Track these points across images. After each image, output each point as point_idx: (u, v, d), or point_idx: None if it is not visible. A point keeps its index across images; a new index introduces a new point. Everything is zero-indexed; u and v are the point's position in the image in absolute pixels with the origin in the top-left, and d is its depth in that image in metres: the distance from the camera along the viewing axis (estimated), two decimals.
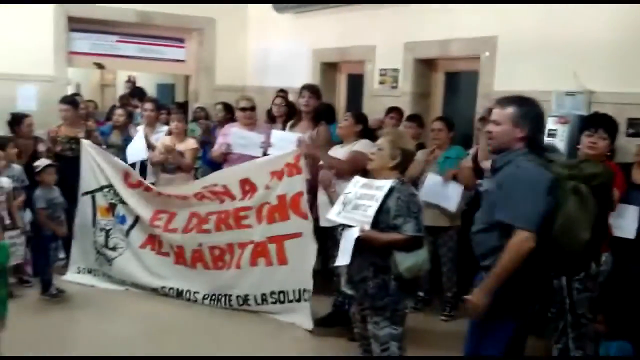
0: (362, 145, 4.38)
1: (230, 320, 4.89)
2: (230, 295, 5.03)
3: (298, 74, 7.53)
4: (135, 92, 8.68)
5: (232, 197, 5.06)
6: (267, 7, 7.95)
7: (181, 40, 8.55)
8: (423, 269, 3.24)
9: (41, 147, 5.74)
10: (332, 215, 3.42)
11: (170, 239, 5.29)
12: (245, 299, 4.97)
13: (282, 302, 4.84)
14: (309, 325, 4.66)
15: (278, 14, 7.94)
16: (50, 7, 7.30)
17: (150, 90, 11.23)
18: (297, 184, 4.75)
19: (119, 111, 6.66)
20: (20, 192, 5.23)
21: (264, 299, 4.90)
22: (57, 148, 5.79)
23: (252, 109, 5.58)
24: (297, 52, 7.80)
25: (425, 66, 6.36)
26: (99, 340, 4.42)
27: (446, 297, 5.08)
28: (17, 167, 5.28)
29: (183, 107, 8.25)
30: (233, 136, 5.41)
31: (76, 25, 7.64)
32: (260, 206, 4.90)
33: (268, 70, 8.40)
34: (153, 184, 5.65)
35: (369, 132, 4.73)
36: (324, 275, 4.88)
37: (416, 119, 5.64)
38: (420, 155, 4.84)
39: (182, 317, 4.95)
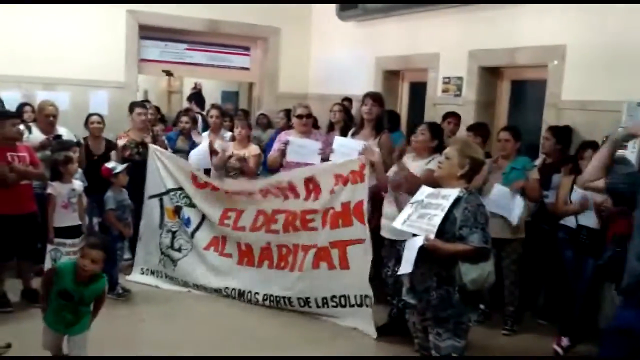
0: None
1: (291, 323, 4.93)
2: (290, 298, 5.08)
3: (360, 82, 7.55)
4: (193, 97, 8.89)
5: (297, 195, 5.12)
6: (331, 16, 8.01)
7: (247, 49, 8.72)
8: (488, 282, 3.16)
9: (113, 155, 5.94)
10: (398, 223, 3.39)
11: (240, 236, 5.38)
12: (306, 301, 5.02)
13: (344, 306, 4.87)
14: (372, 331, 4.66)
15: (341, 22, 7.98)
16: (122, 16, 7.59)
17: (215, 97, 11.51)
18: (360, 192, 4.76)
19: (185, 118, 6.83)
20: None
21: (324, 302, 4.93)
22: (126, 152, 5.97)
23: (309, 116, 5.61)
24: (360, 60, 7.82)
25: (491, 74, 6.26)
26: (161, 341, 4.53)
27: (508, 311, 4.96)
28: (79, 170, 5.46)
29: (247, 113, 8.40)
30: (291, 144, 5.44)
31: (147, 33, 7.89)
32: (325, 211, 4.95)
33: (330, 78, 8.46)
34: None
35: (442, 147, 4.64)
36: (378, 284, 4.85)
37: (480, 128, 5.52)
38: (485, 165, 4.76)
39: (243, 319, 5.02)
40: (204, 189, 5.59)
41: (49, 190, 5.03)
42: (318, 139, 5.51)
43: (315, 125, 6.48)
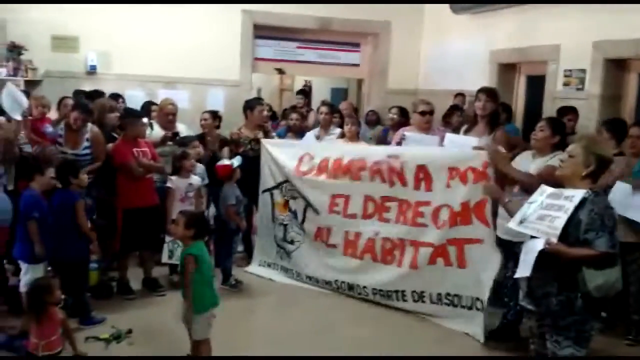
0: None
1: (398, 322, 4.86)
2: (404, 291, 5.00)
3: (473, 77, 7.30)
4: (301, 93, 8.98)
5: (403, 182, 5.01)
6: (444, 9, 7.81)
7: (357, 45, 8.70)
8: (615, 289, 2.94)
9: (224, 151, 6.14)
10: (513, 224, 3.23)
11: (350, 224, 5.34)
12: (421, 296, 4.93)
13: (455, 306, 4.76)
14: (481, 336, 4.50)
15: (454, 15, 7.76)
16: (238, 16, 7.82)
17: (325, 94, 11.61)
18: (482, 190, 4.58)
19: (294, 114, 6.92)
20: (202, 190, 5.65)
21: (439, 298, 4.84)
22: (239, 149, 6.15)
23: (431, 112, 5.49)
24: (473, 53, 7.57)
25: (617, 66, 5.82)
26: (270, 332, 4.63)
27: (633, 319, 4.61)
28: (199, 166, 5.67)
29: (356, 110, 8.38)
30: (407, 139, 5.36)
31: (261, 32, 8.08)
32: (439, 207, 4.81)
33: (442, 73, 8.26)
34: None
35: (565, 143, 4.38)
36: (494, 287, 4.66)
37: (615, 125, 4.95)
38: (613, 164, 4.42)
39: (353, 314, 5.02)
40: (307, 176, 5.59)
41: (168, 184, 5.29)
42: (437, 134, 5.38)
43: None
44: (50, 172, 4.37)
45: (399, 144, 5.41)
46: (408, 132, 5.46)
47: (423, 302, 4.92)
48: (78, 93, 6.41)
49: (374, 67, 8.66)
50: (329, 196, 5.47)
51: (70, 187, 4.44)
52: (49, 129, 5.17)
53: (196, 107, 7.32)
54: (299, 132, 6.72)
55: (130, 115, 5.32)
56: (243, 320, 4.87)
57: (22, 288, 4.09)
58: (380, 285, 5.13)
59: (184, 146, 5.50)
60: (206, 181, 5.70)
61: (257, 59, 8.23)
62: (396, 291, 5.04)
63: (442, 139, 5.23)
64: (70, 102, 5.81)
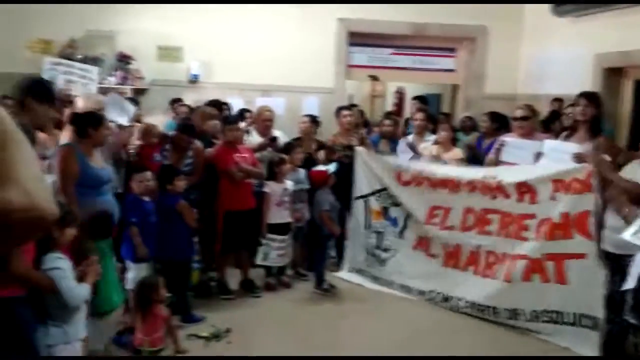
0: None
1: (494, 337, 4.72)
2: (496, 308, 4.87)
3: (576, 81, 6.99)
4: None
5: (506, 195, 4.91)
6: (544, 12, 7.54)
7: (452, 50, 8.57)
8: None
9: (321, 154, 6.21)
10: (627, 235, 3.08)
11: (448, 237, 5.30)
12: (515, 313, 4.77)
13: (557, 323, 4.56)
14: (587, 352, 4.28)
15: (555, 18, 7.48)
16: (333, 24, 7.92)
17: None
18: (585, 202, 4.40)
19: (387, 121, 6.91)
20: (305, 195, 5.77)
21: (535, 316, 4.66)
22: (334, 155, 6.21)
23: (528, 118, 5.32)
24: (576, 57, 7.26)
25: None
26: (361, 338, 4.63)
27: None
28: (301, 171, 5.78)
29: (449, 116, 8.25)
30: (506, 145, 5.23)
31: (355, 39, 8.13)
32: (542, 220, 4.66)
33: (542, 77, 7.97)
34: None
35: None
36: None
37: None
38: None
39: (444, 325, 4.93)
40: (409, 186, 5.60)
41: (265, 189, 5.44)
42: (538, 139, 5.21)
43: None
44: (147, 176, 4.59)
45: (498, 150, 5.29)
46: (508, 138, 5.33)
47: (517, 319, 4.76)
48: (177, 102, 6.68)
49: (470, 73, 8.49)
50: (427, 207, 5.45)
51: (168, 190, 4.67)
52: (158, 157, 5.26)
53: (291, 114, 7.47)
54: (391, 139, 6.72)
55: (227, 122, 5.53)
56: (336, 326, 4.92)
57: (129, 286, 4.33)
58: (476, 299, 5.00)
59: (287, 152, 5.64)
60: (307, 186, 5.80)
61: (351, 65, 8.29)
62: (489, 307, 4.91)
63: (541, 144, 5.07)
64: (184, 109, 6.10)
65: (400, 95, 12.03)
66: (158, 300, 3.92)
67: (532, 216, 4.75)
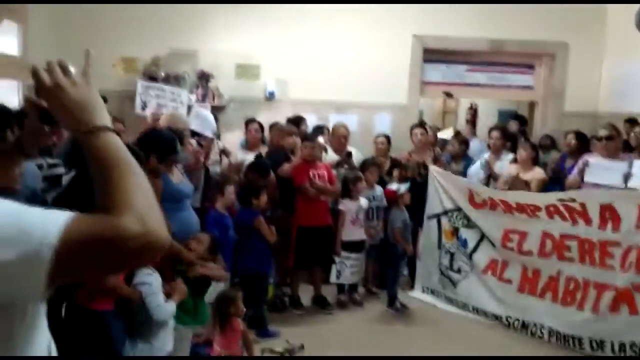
0: None
1: None
2: (582, 339, 4.68)
3: None
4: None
5: (588, 221, 4.71)
6: (628, 26, 7.25)
7: (530, 67, 8.37)
8: None
9: (395, 172, 6.19)
10: None
11: (526, 261, 5.15)
12: (601, 345, 4.58)
13: None
14: None
15: None
16: (409, 41, 7.89)
17: (492, 117, 11.28)
18: None
19: (455, 141, 6.81)
20: (381, 213, 5.77)
21: (621, 349, 4.46)
22: (408, 173, 6.17)
23: (612, 138, 5.13)
24: None
25: None
26: None
27: None
28: (378, 189, 5.79)
29: (524, 134, 8.04)
30: (590, 166, 5.07)
31: (430, 56, 8.08)
32: (629, 247, 4.46)
33: (625, 95, 7.66)
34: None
35: None
36: None
37: None
38: None
39: (520, 352, 4.77)
40: (482, 208, 5.48)
41: (339, 206, 5.46)
42: (624, 160, 5.03)
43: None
44: (230, 191, 4.71)
45: (582, 170, 5.12)
46: (592, 159, 5.15)
47: (603, 351, 4.55)
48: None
49: (548, 89, 8.26)
50: (502, 230, 5.30)
51: (250, 207, 4.77)
52: None
53: (364, 131, 7.49)
54: (460, 158, 6.63)
55: (304, 139, 5.60)
56: (406, 346, 4.83)
57: (207, 299, 4.41)
58: (558, 327, 4.83)
59: (362, 170, 5.67)
60: (384, 204, 5.79)
61: (425, 82, 8.23)
62: (573, 337, 4.72)
63: (630, 165, 4.89)
64: (256, 126, 6.23)
65: (473, 111, 11.86)
66: (236, 314, 3.99)
67: (616, 244, 4.55)
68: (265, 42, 7.71)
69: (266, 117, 7.16)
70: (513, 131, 7.43)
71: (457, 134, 7.87)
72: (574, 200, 4.79)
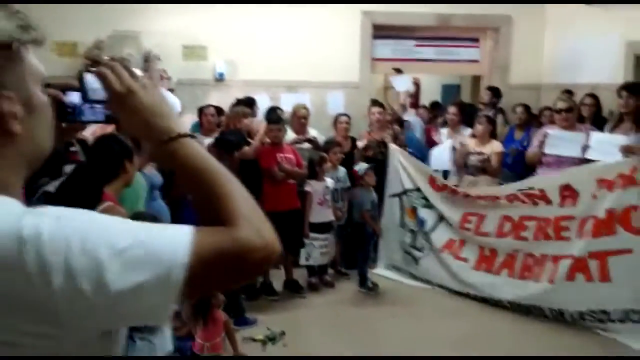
0: None
1: (543, 331, 4.69)
2: (542, 308, 4.83)
3: (605, 70, 6.96)
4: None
5: (548, 202, 4.86)
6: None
7: (475, 40, 8.49)
8: None
9: (357, 154, 6.16)
10: None
11: (483, 242, 5.27)
12: (560, 314, 4.75)
13: (602, 322, 4.53)
14: (637, 345, 4.28)
15: (583, 6, 7.40)
16: (358, 18, 7.84)
17: (436, 92, 11.44)
18: (630, 197, 4.38)
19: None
20: (345, 194, 5.73)
21: (581, 316, 4.63)
22: (369, 152, 6.16)
23: (571, 109, 5.28)
24: (605, 46, 7.19)
25: None
26: (408, 337, 4.57)
27: None
28: (342, 170, 5.74)
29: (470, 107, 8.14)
30: (549, 137, 5.20)
31: (379, 32, 8.05)
32: (584, 219, 4.62)
33: (568, 67, 7.89)
34: (456, 185, 5.72)
35: None
36: None
37: None
38: None
39: (491, 322, 4.90)
40: (442, 191, 5.58)
41: (306, 188, 5.39)
42: (582, 130, 5.18)
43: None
44: None
45: (542, 142, 5.25)
46: (551, 130, 5.29)
47: (564, 319, 4.73)
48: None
49: (494, 63, 8.42)
50: (461, 213, 5.42)
51: None
52: None
53: (317, 110, 7.39)
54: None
55: (269, 122, 5.47)
56: (385, 325, 4.85)
57: None
58: (517, 300, 4.97)
59: (326, 151, 5.59)
60: (348, 184, 5.76)
61: (375, 59, 8.21)
62: (534, 306, 4.88)
63: (587, 136, 5.05)
64: (211, 110, 6.02)
65: (416, 86, 11.96)
66: (217, 304, 3.88)
67: (570, 217, 4.72)
68: (211, 22, 7.48)
69: (216, 99, 6.98)
70: (485, 102, 7.49)
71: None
72: (532, 188, 4.95)
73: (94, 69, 1.09)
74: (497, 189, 5.34)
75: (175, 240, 0.89)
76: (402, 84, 7.81)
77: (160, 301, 0.88)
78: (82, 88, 1.12)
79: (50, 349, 0.84)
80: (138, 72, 1.09)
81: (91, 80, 1.11)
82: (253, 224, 0.96)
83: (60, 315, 0.82)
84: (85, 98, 1.13)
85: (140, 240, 0.87)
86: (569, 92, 6.90)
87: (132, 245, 0.86)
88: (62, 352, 0.85)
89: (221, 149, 4.95)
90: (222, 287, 1.00)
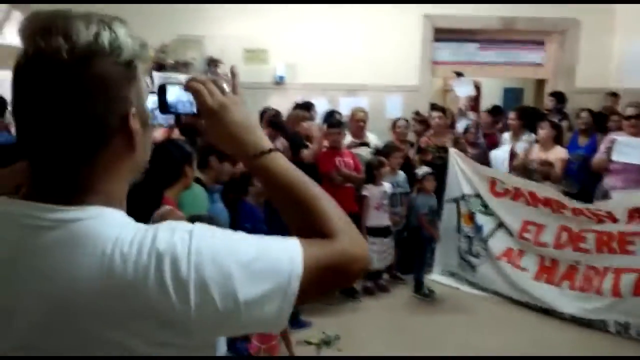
0: None
1: (604, 345, 4.53)
2: (606, 321, 4.68)
3: None
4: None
5: (614, 220, 4.69)
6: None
7: (540, 43, 8.27)
8: None
9: (415, 157, 6.11)
10: None
11: (542, 252, 5.14)
12: (626, 327, 4.59)
13: None
14: None
15: None
16: (419, 21, 7.77)
17: (497, 96, 11.19)
18: None
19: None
20: (404, 198, 5.69)
21: None
22: (428, 157, 6.09)
23: (638, 117, 5.08)
24: None
25: None
26: (464, 346, 4.48)
27: None
28: (401, 174, 5.70)
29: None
30: (617, 144, 5.02)
31: (440, 35, 7.96)
32: None
33: (637, 71, 7.59)
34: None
35: None
36: None
37: None
38: None
39: (550, 334, 4.75)
40: (503, 197, 5.43)
41: (363, 192, 5.38)
42: None
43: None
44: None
45: (609, 148, 5.07)
46: (619, 137, 5.10)
47: (628, 333, 4.57)
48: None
49: (559, 66, 8.18)
50: (520, 221, 5.27)
51: None
52: None
53: (375, 114, 7.36)
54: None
55: (329, 125, 5.50)
56: (436, 332, 4.78)
57: None
58: (579, 314, 4.83)
59: (386, 155, 5.57)
60: (408, 189, 5.72)
61: (435, 62, 8.12)
62: (598, 320, 4.72)
63: None
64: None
65: (476, 89, 11.74)
66: None
67: (636, 234, 4.55)
68: (272, 26, 7.57)
69: (276, 102, 7.05)
70: (549, 109, 7.31)
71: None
72: (599, 210, 4.78)
73: (177, 83, 1.12)
74: (565, 199, 5.11)
75: (290, 252, 0.95)
76: (464, 89, 7.59)
77: (279, 309, 0.92)
78: (160, 99, 1.13)
79: (167, 354, 0.88)
80: (226, 87, 1.11)
81: (173, 93, 1.13)
82: (351, 236, 1.02)
83: (192, 327, 0.87)
84: (165, 109, 1.14)
85: (261, 252, 0.93)
86: (614, 95, 6.64)
87: (255, 257, 0.91)
88: (177, 356, 0.89)
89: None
90: (324, 294, 1.03)
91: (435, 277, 5.90)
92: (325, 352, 4.32)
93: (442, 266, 5.98)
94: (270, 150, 1.08)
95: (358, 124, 6.14)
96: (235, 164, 4.18)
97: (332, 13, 7.68)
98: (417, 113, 7.21)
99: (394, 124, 6.36)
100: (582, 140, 6.45)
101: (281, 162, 1.08)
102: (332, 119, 5.73)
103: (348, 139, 6.03)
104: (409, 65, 7.86)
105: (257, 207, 4.56)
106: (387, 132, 6.58)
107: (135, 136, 0.94)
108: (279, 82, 7.68)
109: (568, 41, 8.04)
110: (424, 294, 5.43)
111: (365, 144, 6.01)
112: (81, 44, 0.87)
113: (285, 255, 0.94)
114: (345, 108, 6.88)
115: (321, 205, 1.04)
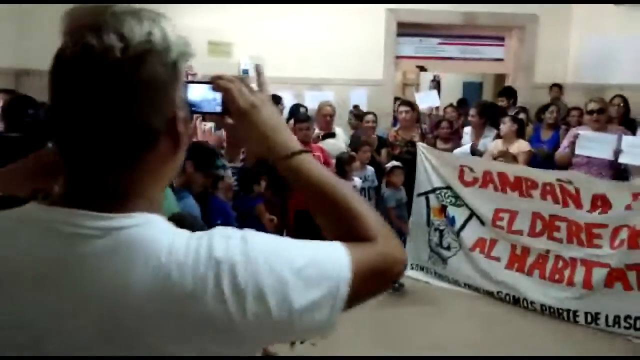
0: None
1: (573, 337, 4.64)
2: (577, 312, 4.80)
3: (632, 70, 6.89)
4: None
5: (579, 205, 4.79)
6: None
7: (501, 39, 8.43)
8: None
9: (383, 154, 6.14)
10: None
11: (515, 240, 5.21)
12: (595, 317, 4.71)
13: (638, 329, 4.49)
14: None
15: (611, 6, 7.32)
16: (382, 15, 7.81)
17: (456, 90, 11.38)
18: None
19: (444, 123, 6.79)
20: (373, 193, 5.71)
21: (616, 322, 4.59)
22: (396, 151, 6.13)
23: (603, 110, 5.23)
24: (633, 46, 7.12)
25: None
26: (432, 339, 4.52)
27: None
28: (370, 169, 5.72)
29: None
30: (580, 139, 5.15)
31: (403, 30, 8.02)
32: (617, 228, 4.55)
33: (594, 66, 7.83)
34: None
35: None
36: None
37: None
38: None
39: (518, 325, 4.85)
40: (472, 186, 5.48)
41: None
42: (613, 133, 5.13)
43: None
44: (229, 176, 4.56)
45: (572, 143, 5.20)
46: (582, 131, 5.23)
47: (597, 324, 4.69)
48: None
49: (519, 62, 8.36)
50: (492, 210, 5.32)
51: (251, 194, 4.64)
52: None
53: (340, 108, 7.37)
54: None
55: (297, 120, 5.47)
56: (405, 326, 4.82)
57: None
58: (549, 303, 4.94)
59: (355, 150, 5.58)
60: (376, 184, 5.74)
61: (399, 57, 8.18)
62: (568, 310, 4.83)
63: (619, 139, 4.99)
64: None
65: (436, 83, 11.89)
66: None
67: (602, 226, 4.66)
68: (237, 19, 7.49)
69: None
70: (504, 106, 7.43)
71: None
72: (570, 182, 4.83)
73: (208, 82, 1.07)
74: (537, 172, 5.12)
75: (337, 257, 0.93)
76: (427, 101, 7.31)
77: (329, 316, 0.90)
78: None
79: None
80: (254, 86, 1.08)
81: (197, 92, 1.08)
82: (390, 238, 1.02)
83: (246, 336, 0.85)
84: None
85: (312, 258, 0.91)
86: (558, 87, 6.80)
87: (307, 263, 0.89)
88: None
89: None
90: (368, 298, 1.00)
91: (407, 272, 5.94)
92: (299, 347, 4.30)
93: (412, 260, 6.00)
94: (301, 152, 1.06)
95: (325, 118, 6.13)
96: (208, 176, 4.07)
97: (297, 7, 7.65)
98: (356, 107, 7.25)
99: (361, 118, 6.38)
100: (545, 134, 6.61)
101: (313, 163, 1.07)
102: (299, 113, 5.69)
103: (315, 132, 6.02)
104: (373, 59, 7.90)
105: (227, 202, 4.50)
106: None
107: (182, 139, 0.91)
108: (245, 75, 7.59)
109: (527, 37, 8.22)
110: (394, 287, 5.46)
111: (332, 135, 6.00)
112: (135, 43, 0.84)
113: (333, 260, 0.93)
114: (310, 102, 6.86)
115: (356, 206, 1.02)
